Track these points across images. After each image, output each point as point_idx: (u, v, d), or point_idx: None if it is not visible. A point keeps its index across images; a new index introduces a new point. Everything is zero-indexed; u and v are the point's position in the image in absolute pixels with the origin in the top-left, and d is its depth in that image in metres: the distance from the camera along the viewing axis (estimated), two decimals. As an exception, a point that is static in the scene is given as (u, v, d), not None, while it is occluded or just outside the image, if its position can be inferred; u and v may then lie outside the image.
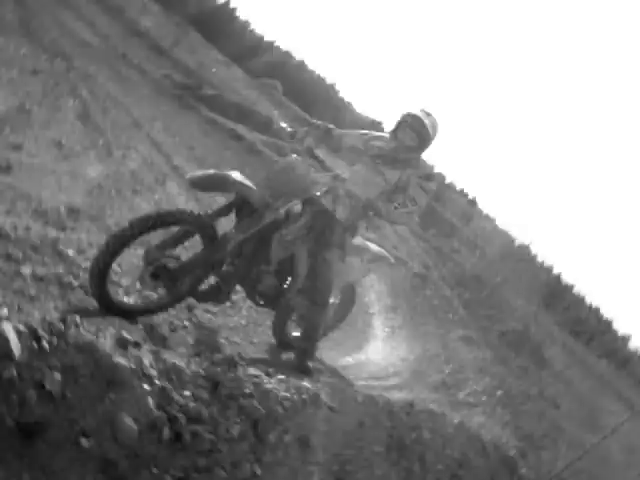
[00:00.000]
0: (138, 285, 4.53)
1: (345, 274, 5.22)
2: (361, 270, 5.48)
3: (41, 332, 2.34)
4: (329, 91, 26.23)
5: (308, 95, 23.20)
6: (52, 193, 5.88)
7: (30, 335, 2.30)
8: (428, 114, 4.87)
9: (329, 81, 26.91)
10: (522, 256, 18.23)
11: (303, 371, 4.81)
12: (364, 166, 4.93)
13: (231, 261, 4.65)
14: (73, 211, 5.72)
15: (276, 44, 25.78)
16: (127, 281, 4.74)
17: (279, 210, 4.34)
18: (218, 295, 4.84)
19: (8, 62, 8.85)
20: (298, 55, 26.46)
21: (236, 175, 4.21)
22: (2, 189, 5.29)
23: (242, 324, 5.68)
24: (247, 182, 4.24)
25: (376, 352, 7.47)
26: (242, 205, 4.35)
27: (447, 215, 24.06)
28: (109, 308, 3.87)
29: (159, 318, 4.56)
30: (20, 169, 5.88)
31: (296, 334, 5.58)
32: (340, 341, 7.31)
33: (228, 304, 5.37)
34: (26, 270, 3.94)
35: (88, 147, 7.87)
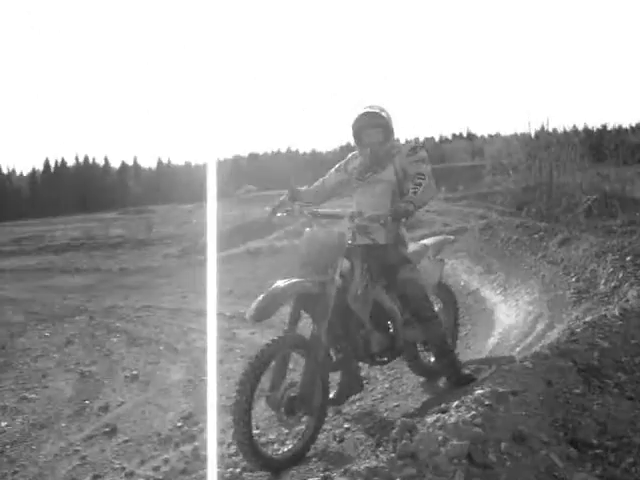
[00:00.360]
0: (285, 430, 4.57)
1: (427, 281, 5.17)
2: (436, 267, 5.43)
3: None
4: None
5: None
6: (161, 418, 6.03)
7: None
8: (371, 106, 4.87)
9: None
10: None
11: (464, 382, 4.74)
12: (365, 187, 4.91)
13: (336, 350, 4.66)
14: (187, 418, 5.86)
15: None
16: (273, 434, 4.78)
17: (334, 279, 4.32)
18: (351, 386, 4.85)
19: (42, 350, 9.12)
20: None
21: (280, 283, 4.21)
22: (121, 449, 5.38)
23: (387, 387, 5.63)
24: (293, 280, 4.24)
25: (507, 315, 7.37)
26: (304, 302, 4.34)
27: (454, 165, 23.88)
28: (269, 466, 3.98)
29: (323, 439, 4.56)
30: (122, 422, 6.02)
31: (433, 359, 5.53)
32: (472, 333, 7.26)
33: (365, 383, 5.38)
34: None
35: (156, 361, 8.02)
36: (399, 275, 4.73)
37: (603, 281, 6.78)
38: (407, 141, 5.18)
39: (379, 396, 5.46)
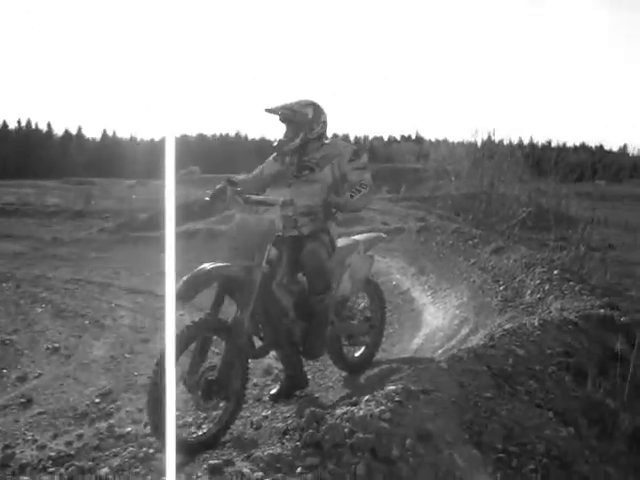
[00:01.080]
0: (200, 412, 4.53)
1: (353, 275, 5.24)
2: (365, 262, 5.47)
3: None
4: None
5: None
6: (79, 393, 5.92)
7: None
8: (291, 101, 4.86)
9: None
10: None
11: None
12: (301, 185, 4.88)
13: (259, 337, 4.66)
14: (105, 394, 5.75)
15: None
16: (190, 417, 4.75)
17: (260, 265, 4.30)
18: (295, 382, 4.90)
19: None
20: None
21: (206, 265, 4.17)
22: (35, 421, 5.29)
23: (309, 378, 5.67)
24: (219, 264, 4.20)
25: (434, 317, 7.48)
26: (229, 286, 4.30)
27: (399, 166, 24.08)
28: (183, 449, 3.81)
29: (240, 426, 4.57)
30: (39, 394, 5.91)
31: (358, 353, 5.59)
32: (398, 332, 7.34)
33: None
34: (103, 471, 3.94)
35: (79, 333, 7.91)
36: (304, 248, 4.69)
37: (529, 292, 6.96)
38: (346, 141, 5.17)
39: (324, 386, 5.50)
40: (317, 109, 4.86)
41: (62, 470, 4.15)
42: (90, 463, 4.19)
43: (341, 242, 5.22)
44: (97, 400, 5.65)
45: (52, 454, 4.53)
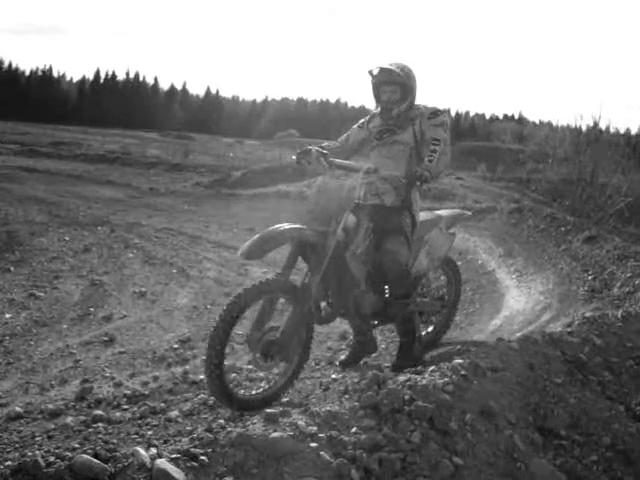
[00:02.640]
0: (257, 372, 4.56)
1: (431, 252, 5.10)
2: (446, 240, 5.30)
3: (194, 450, 2.40)
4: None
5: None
6: (159, 337, 6.11)
7: (185, 457, 2.37)
8: (390, 63, 4.67)
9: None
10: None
11: (406, 365, 4.62)
12: (382, 148, 4.79)
13: (328, 304, 4.61)
14: (184, 341, 5.92)
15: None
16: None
17: (336, 231, 4.20)
18: (364, 348, 4.89)
19: (58, 252, 9.31)
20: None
21: (280, 226, 4.09)
22: (115, 359, 5.51)
23: (383, 347, 5.67)
24: (294, 225, 4.12)
25: (517, 301, 7.35)
26: (303, 249, 4.23)
27: (498, 145, 23.55)
28: (236, 405, 3.86)
29: (309, 386, 4.63)
30: (121, 334, 6.13)
31: (425, 331, 5.50)
32: (478, 311, 7.26)
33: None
34: (173, 413, 4.08)
35: (166, 281, 8.16)
36: (384, 244, 4.58)
37: (619, 284, 6.74)
38: (428, 107, 4.92)
39: (374, 355, 5.50)
40: (405, 70, 4.69)
41: (135, 408, 4.32)
42: (162, 404, 4.35)
43: (423, 216, 5.06)
44: (176, 346, 5.82)
45: (127, 392, 4.70)
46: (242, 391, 4.17)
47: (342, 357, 5.11)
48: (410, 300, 4.72)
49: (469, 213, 6.07)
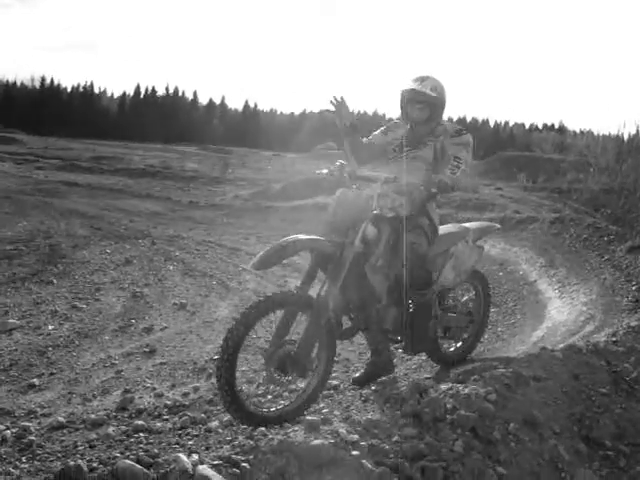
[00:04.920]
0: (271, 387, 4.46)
1: (457, 265, 4.99)
2: (472, 253, 5.17)
3: (235, 457, 2.40)
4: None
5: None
6: (200, 348, 6.15)
7: (226, 463, 2.37)
8: (424, 79, 4.62)
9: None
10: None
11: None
12: (401, 161, 4.71)
13: (349, 318, 4.50)
14: (225, 355, 5.93)
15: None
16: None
17: (354, 242, 4.11)
18: (381, 367, 4.81)
19: (100, 265, 9.44)
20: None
21: (294, 237, 4.00)
22: (156, 370, 5.55)
23: (424, 359, 5.63)
24: (309, 236, 4.03)
25: (559, 312, 7.25)
26: (322, 261, 4.13)
27: (538, 155, 23.33)
28: (250, 421, 3.70)
29: (350, 397, 4.60)
30: (162, 345, 6.18)
31: (453, 347, 5.39)
32: (520, 322, 7.18)
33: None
34: (213, 424, 4.08)
35: (206, 293, 8.21)
36: (401, 237, 4.46)
37: (663, 294, 6.62)
38: (452, 122, 4.88)
39: (414, 366, 5.45)
40: (437, 89, 4.63)
41: (175, 418, 4.34)
42: (202, 415, 4.37)
43: (448, 228, 5.01)
44: (216, 357, 5.84)
45: (168, 403, 4.74)
46: (255, 407, 3.95)
47: (356, 375, 4.95)
48: (429, 290, 4.64)
49: (498, 226, 5.91)
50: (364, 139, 4.93)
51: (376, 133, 4.99)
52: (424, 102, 4.61)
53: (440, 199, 4.85)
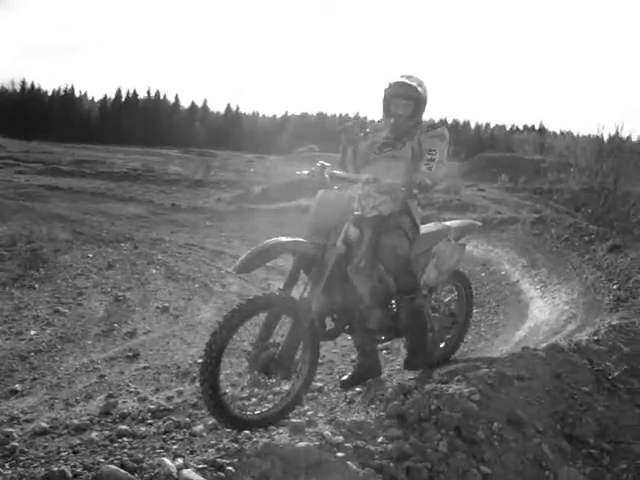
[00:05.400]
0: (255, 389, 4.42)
1: (439, 265, 4.97)
2: (454, 251, 5.14)
3: (220, 460, 2.39)
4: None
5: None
6: (183, 352, 6.13)
7: (211, 467, 2.36)
8: (409, 76, 4.63)
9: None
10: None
11: (419, 362, 4.61)
12: (381, 160, 4.70)
13: (332, 319, 4.48)
14: (208, 357, 5.91)
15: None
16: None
17: (336, 244, 4.10)
18: (369, 369, 4.79)
19: (82, 269, 9.38)
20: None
21: (274, 239, 3.99)
22: (139, 374, 5.52)
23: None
24: (291, 239, 4.01)
25: (541, 311, 7.29)
26: (305, 263, 4.11)
27: (519, 156, 23.47)
28: (234, 424, 3.68)
29: (334, 399, 4.60)
30: (145, 349, 6.16)
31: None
32: (503, 322, 7.21)
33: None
34: (198, 427, 4.06)
35: (189, 296, 8.19)
36: (382, 240, 4.45)
37: (645, 292, 6.67)
38: (430, 121, 4.85)
39: (397, 367, 5.45)
40: (422, 86, 4.64)
41: (159, 423, 4.32)
42: (187, 419, 4.34)
43: (430, 227, 4.99)
44: (199, 361, 5.82)
45: (152, 407, 4.70)
46: (239, 410, 3.95)
47: (344, 377, 4.91)
48: (417, 294, 4.58)
49: (479, 224, 5.89)
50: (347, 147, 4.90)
51: (359, 137, 4.92)
52: (410, 97, 4.59)
53: (422, 200, 4.82)
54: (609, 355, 3.96)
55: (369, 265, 4.41)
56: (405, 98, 4.60)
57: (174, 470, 2.36)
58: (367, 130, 4.92)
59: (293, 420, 2.88)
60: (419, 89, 4.57)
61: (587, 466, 2.91)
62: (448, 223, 5.31)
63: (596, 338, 4.26)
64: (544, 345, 4.99)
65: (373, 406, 3.11)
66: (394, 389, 2.99)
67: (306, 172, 4.58)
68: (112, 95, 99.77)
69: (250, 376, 3.88)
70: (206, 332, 6.73)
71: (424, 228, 4.89)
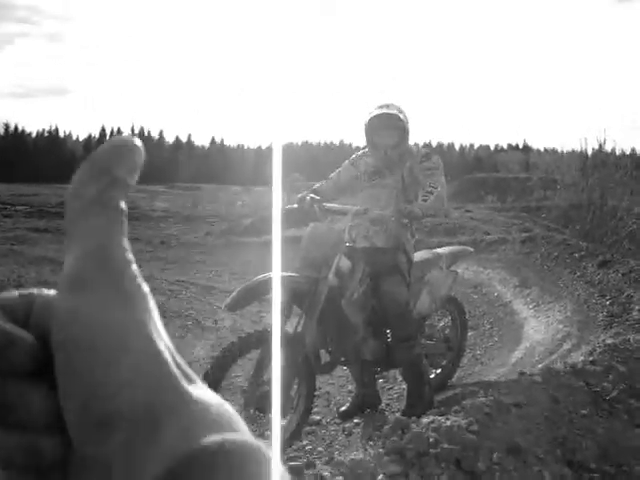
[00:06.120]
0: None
1: (432, 292, 4.97)
2: (447, 278, 5.16)
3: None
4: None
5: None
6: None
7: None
8: (388, 105, 4.60)
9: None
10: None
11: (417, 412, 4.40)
12: (371, 189, 4.71)
13: (328, 352, 4.47)
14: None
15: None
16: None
17: (327, 277, 4.09)
18: (367, 401, 4.76)
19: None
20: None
21: (266, 275, 3.94)
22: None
23: (404, 388, 5.60)
24: (285, 273, 3.94)
25: (536, 331, 7.29)
26: (297, 298, 4.08)
27: (505, 176, 23.61)
28: None
29: (332, 432, 4.57)
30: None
31: (432, 375, 5.34)
32: (498, 345, 7.20)
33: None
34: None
35: (182, 334, 8.13)
36: (381, 286, 4.47)
37: (638, 307, 6.67)
38: (418, 146, 4.86)
39: (395, 396, 5.42)
40: (403, 112, 4.61)
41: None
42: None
43: (421, 255, 5.00)
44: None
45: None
46: None
47: (343, 408, 4.91)
48: (415, 342, 4.58)
49: (471, 249, 5.90)
50: (332, 174, 4.92)
51: (345, 164, 4.96)
52: (393, 127, 4.58)
53: (415, 228, 4.82)
54: (605, 375, 3.95)
55: (362, 296, 4.40)
56: (389, 128, 4.59)
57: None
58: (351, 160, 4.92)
59: (292, 463, 2.84)
60: (401, 116, 4.55)
61: (590, 491, 2.89)
62: (439, 250, 5.33)
63: (591, 359, 4.24)
64: (540, 367, 4.99)
65: (371, 443, 3.08)
66: (392, 424, 2.96)
67: (295, 206, 4.58)
68: (97, 134, 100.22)
69: (246, 414, 3.81)
70: (201, 369, 6.68)
71: (416, 256, 4.88)
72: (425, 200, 4.33)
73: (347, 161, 4.98)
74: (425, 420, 3.04)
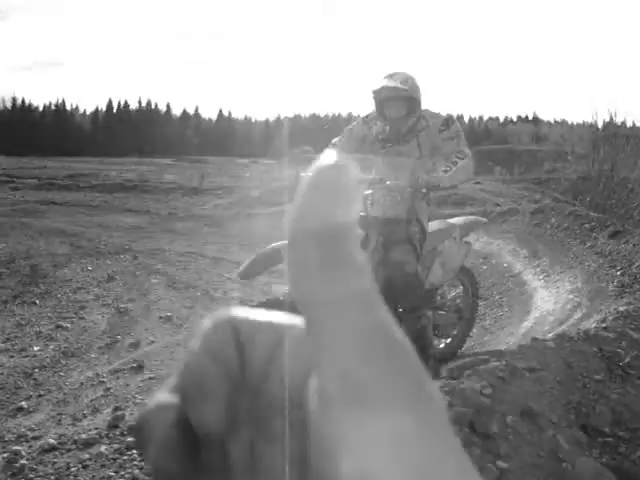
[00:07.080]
0: None
1: (445, 263, 4.92)
2: (460, 249, 5.11)
3: None
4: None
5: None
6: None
7: None
8: (392, 75, 4.48)
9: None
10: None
11: None
12: (385, 157, 4.60)
13: None
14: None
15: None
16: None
17: None
18: None
19: (82, 283, 9.32)
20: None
21: (277, 244, 3.94)
22: (145, 385, 5.48)
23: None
24: None
25: (546, 301, 7.27)
26: None
27: (515, 148, 23.44)
28: None
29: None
30: (150, 360, 6.11)
31: (442, 344, 5.35)
32: (508, 315, 7.19)
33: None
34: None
35: (191, 304, 8.14)
36: (390, 255, 4.39)
37: (648, 278, 6.65)
38: (432, 112, 4.72)
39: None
40: (410, 82, 4.48)
41: (167, 434, 4.27)
42: (195, 429, 4.30)
43: (435, 225, 4.92)
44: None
45: (160, 418, 4.65)
46: None
47: None
48: (422, 313, 4.52)
49: (484, 220, 5.86)
50: (345, 131, 4.84)
51: (358, 121, 4.86)
52: (398, 98, 4.47)
53: (431, 197, 4.74)
54: (618, 342, 3.92)
55: (375, 267, 4.32)
56: (396, 100, 4.49)
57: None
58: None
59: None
60: (406, 87, 4.43)
61: (604, 455, 2.87)
62: (453, 221, 5.26)
63: (604, 325, 4.22)
64: (553, 335, 4.96)
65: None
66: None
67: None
68: (103, 107, 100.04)
69: None
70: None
71: (430, 226, 4.81)
72: (447, 171, 4.22)
73: (360, 118, 4.88)
74: (438, 383, 3.03)
